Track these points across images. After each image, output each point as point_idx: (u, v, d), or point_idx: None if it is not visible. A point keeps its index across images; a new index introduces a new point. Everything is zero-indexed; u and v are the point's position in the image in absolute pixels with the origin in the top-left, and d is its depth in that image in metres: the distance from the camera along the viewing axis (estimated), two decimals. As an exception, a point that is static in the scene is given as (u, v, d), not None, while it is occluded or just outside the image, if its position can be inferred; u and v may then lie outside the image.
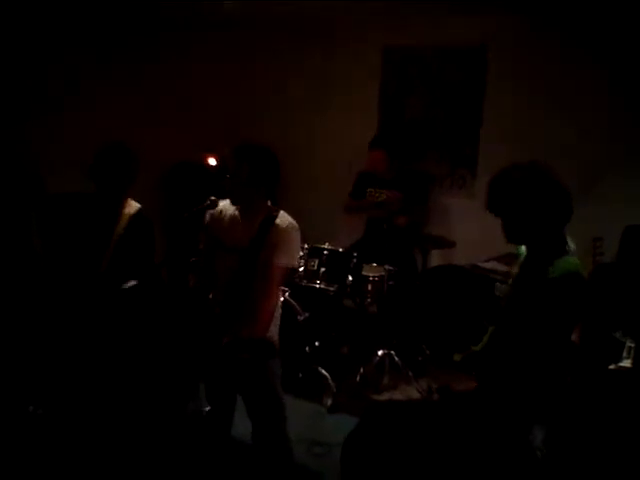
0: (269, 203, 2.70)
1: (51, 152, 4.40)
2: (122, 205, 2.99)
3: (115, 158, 2.89)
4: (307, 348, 4.13)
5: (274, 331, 2.73)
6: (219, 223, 2.75)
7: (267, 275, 2.58)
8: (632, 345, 3.20)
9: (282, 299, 2.84)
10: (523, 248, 2.37)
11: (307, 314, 4.17)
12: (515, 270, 2.40)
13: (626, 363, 3.16)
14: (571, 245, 2.19)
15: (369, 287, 4.27)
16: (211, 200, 2.84)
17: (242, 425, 2.88)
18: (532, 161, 2.17)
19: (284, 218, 2.63)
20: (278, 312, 2.77)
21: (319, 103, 5.48)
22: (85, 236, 2.90)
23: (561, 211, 2.13)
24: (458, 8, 4.55)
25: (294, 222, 2.64)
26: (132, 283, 2.89)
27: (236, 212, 2.71)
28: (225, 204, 2.77)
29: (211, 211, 2.80)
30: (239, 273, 2.59)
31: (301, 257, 4.11)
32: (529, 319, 2.08)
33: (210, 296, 2.81)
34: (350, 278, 4.17)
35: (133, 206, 3.02)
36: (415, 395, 3.99)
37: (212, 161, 5.46)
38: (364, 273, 4.26)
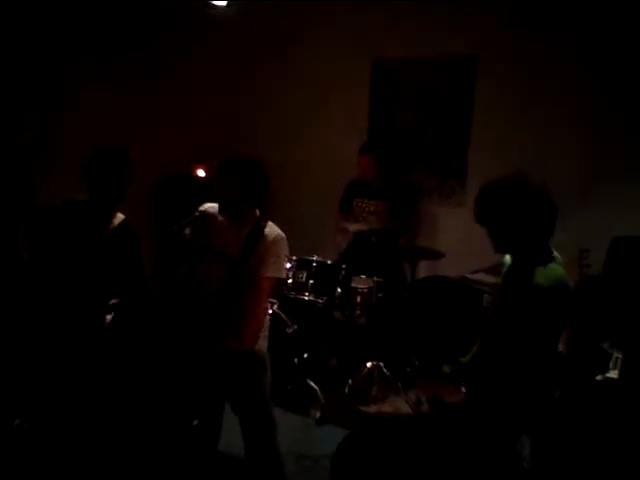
0: (257, 213, 2.70)
1: (45, 159, 4.39)
2: (112, 214, 2.97)
3: (110, 160, 2.88)
4: (296, 360, 4.12)
5: (263, 344, 2.72)
6: (208, 227, 2.73)
7: (255, 287, 2.58)
8: (619, 356, 3.22)
9: (270, 311, 2.83)
10: (507, 258, 2.40)
11: (296, 326, 4.16)
12: (499, 280, 2.42)
13: (613, 374, 3.18)
14: (557, 256, 2.21)
15: (358, 299, 4.29)
16: (200, 212, 2.84)
17: (229, 437, 2.87)
18: (519, 172, 2.19)
19: (272, 229, 2.64)
20: (267, 324, 2.77)
21: (308, 114, 5.51)
22: (72, 248, 2.88)
23: (546, 222, 2.15)
24: (448, 20, 4.61)
25: (282, 233, 2.65)
26: (114, 301, 2.87)
27: (225, 219, 2.70)
28: (215, 207, 2.73)
29: (201, 208, 2.78)
30: (227, 283, 2.58)
31: (290, 269, 4.11)
32: (515, 327, 2.10)
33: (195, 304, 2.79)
34: (339, 290, 4.18)
35: (118, 217, 3.00)
36: (404, 406, 3.99)
37: (201, 172, 5.46)
38: (353, 285, 4.27)
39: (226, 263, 2.60)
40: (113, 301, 2.88)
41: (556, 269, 2.13)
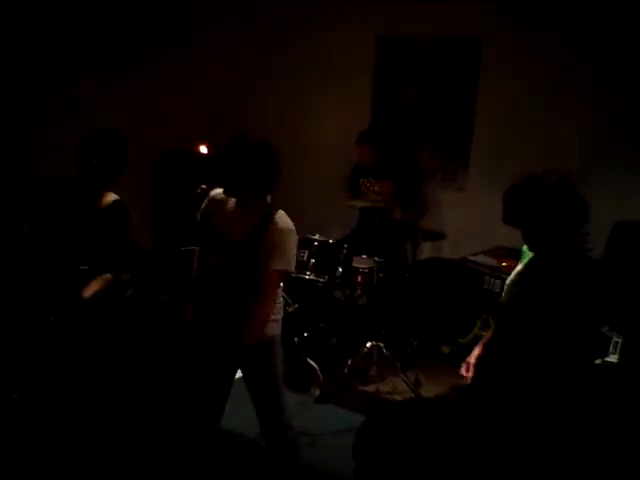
0: (269, 200, 2.61)
1: (43, 136, 4.37)
2: (102, 194, 2.93)
3: (98, 145, 2.81)
4: (296, 339, 4.14)
5: (275, 328, 2.68)
6: (219, 211, 2.66)
7: (263, 279, 2.50)
8: (619, 340, 3.23)
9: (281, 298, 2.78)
10: (526, 247, 2.37)
11: (296, 305, 4.17)
12: (517, 271, 2.40)
13: (612, 358, 3.19)
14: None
15: (359, 279, 4.28)
16: (202, 188, 2.81)
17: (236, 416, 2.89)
18: (547, 171, 2.16)
19: (282, 219, 2.54)
20: (280, 307, 2.71)
21: (311, 94, 5.45)
22: (70, 223, 2.87)
23: (578, 218, 2.15)
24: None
25: (292, 225, 2.56)
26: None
27: (235, 204, 2.63)
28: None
29: (211, 197, 2.73)
30: (234, 270, 2.53)
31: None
32: (535, 317, 2.10)
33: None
34: (340, 270, 4.17)
35: (110, 196, 2.95)
36: (402, 387, 4.01)
37: (204, 149, 5.42)
38: (354, 265, 4.26)
39: (235, 250, 2.54)
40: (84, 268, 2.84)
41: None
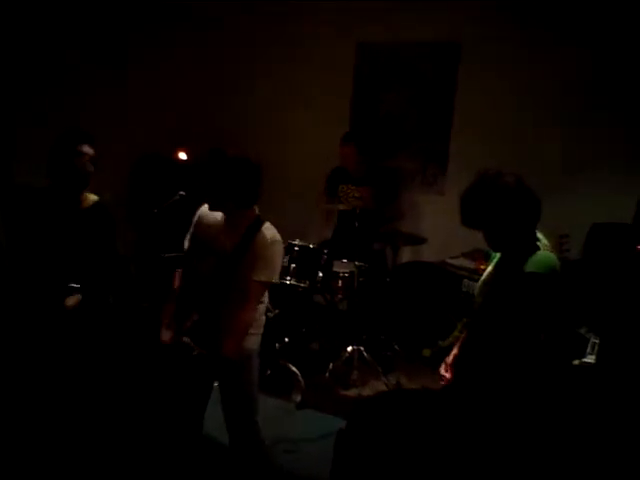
0: (256, 211, 2.60)
1: (25, 139, 4.32)
2: (80, 199, 2.89)
3: (66, 146, 2.76)
4: (277, 344, 4.13)
5: (254, 340, 2.67)
6: (205, 224, 2.67)
7: (246, 290, 2.50)
8: (596, 341, 3.26)
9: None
10: None
11: (277, 310, 4.16)
12: (488, 271, 2.43)
13: (590, 359, 3.23)
14: (543, 240, 2.24)
15: (339, 283, 4.28)
16: (180, 195, 2.81)
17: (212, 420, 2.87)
18: (494, 172, 2.19)
19: (268, 231, 2.54)
20: (262, 321, 2.71)
21: (291, 100, 5.46)
22: (51, 229, 2.83)
23: (533, 215, 2.19)
24: (432, 5, 4.58)
25: (278, 236, 2.56)
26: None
27: (221, 216, 2.62)
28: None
29: (199, 212, 2.73)
30: (219, 279, 2.52)
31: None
32: (508, 315, 2.12)
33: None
34: (320, 274, 4.18)
35: (90, 198, 2.93)
36: (383, 390, 4.01)
37: (183, 155, 5.40)
38: (334, 269, 4.27)
39: (220, 261, 2.53)
40: (74, 285, 2.80)
41: (547, 256, 2.16)
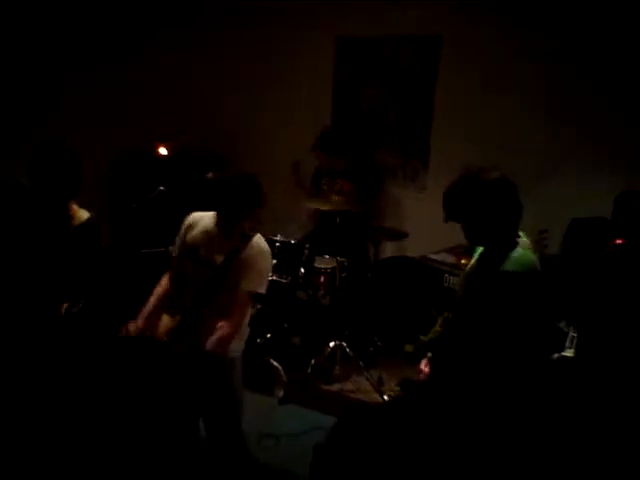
0: (249, 224, 2.62)
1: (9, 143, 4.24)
2: (68, 211, 2.72)
3: (53, 162, 2.59)
4: (258, 340, 4.12)
5: (238, 347, 2.71)
6: (195, 232, 2.70)
7: (234, 298, 2.56)
8: (575, 335, 3.30)
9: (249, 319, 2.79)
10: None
11: (259, 306, 4.15)
12: (471, 264, 2.45)
13: (569, 353, 3.26)
14: (523, 238, 2.27)
15: (321, 279, 4.29)
16: (160, 190, 2.79)
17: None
18: (480, 168, 2.22)
19: (259, 242, 2.63)
20: (246, 330, 2.76)
21: (272, 96, 5.44)
22: (27, 241, 2.67)
23: (513, 211, 2.22)
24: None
25: (267, 248, 2.66)
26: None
27: (213, 225, 2.67)
28: (203, 215, 2.73)
29: (189, 218, 2.75)
30: (207, 287, 2.55)
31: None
32: (483, 312, 2.14)
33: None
34: (302, 270, 4.17)
35: (81, 214, 2.76)
36: (366, 386, 4.03)
37: (163, 151, 5.35)
38: (316, 265, 4.27)
39: (209, 269, 2.58)
40: (65, 306, 2.68)
41: (526, 255, 2.20)
